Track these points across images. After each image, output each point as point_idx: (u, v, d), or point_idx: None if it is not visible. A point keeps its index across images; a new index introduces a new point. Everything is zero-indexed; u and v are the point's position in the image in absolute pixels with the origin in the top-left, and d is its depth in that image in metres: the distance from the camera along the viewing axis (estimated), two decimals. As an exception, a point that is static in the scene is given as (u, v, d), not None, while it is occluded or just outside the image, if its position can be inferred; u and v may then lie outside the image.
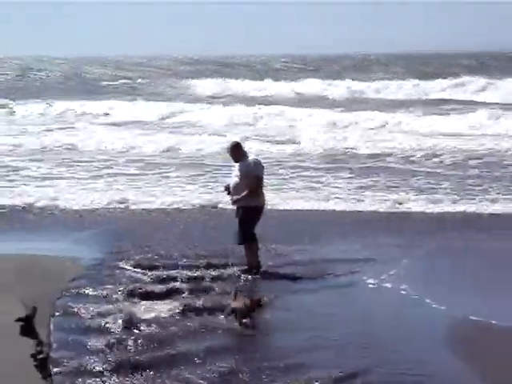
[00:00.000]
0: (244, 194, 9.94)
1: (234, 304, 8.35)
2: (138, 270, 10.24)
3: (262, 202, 10.23)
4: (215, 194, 15.16)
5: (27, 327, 7.94)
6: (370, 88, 42.88)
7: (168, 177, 18.00)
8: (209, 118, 30.42)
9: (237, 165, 10.16)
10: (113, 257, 10.88)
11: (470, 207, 14.21)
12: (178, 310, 8.65)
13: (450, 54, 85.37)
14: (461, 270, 10.47)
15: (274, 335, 8.19)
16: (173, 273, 10.08)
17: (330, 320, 8.47)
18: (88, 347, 7.56)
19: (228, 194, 10.28)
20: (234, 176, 10.18)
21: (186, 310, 8.66)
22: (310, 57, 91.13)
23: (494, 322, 8.33)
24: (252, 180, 9.96)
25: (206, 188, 16.43)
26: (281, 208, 14.18)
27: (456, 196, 15.22)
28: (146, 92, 46.26)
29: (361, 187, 16.40)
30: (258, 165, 10.15)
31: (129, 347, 7.58)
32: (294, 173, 18.34)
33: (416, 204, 14.58)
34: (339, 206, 14.57)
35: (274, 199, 14.30)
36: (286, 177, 17.70)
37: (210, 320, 8.39)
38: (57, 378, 6.86)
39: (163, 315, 8.50)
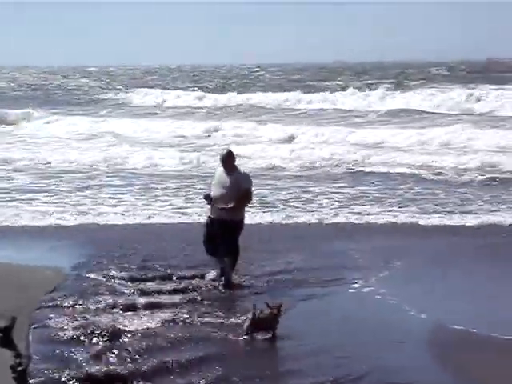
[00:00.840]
0: (231, 205, 9.74)
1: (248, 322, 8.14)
2: (120, 281, 10.13)
3: (243, 216, 10.12)
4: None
5: (5, 338, 7.77)
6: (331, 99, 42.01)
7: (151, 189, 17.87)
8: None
9: (226, 175, 9.87)
10: (93, 268, 10.74)
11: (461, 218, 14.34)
12: (160, 321, 8.54)
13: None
14: (441, 278, 10.57)
15: (259, 343, 8.12)
16: (153, 284, 10.00)
17: (315, 328, 8.47)
18: (68, 359, 7.42)
19: (209, 203, 10.05)
20: (219, 186, 9.87)
21: (169, 322, 8.57)
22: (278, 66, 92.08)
23: (474, 330, 8.38)
24: (243, 193, 9.79)
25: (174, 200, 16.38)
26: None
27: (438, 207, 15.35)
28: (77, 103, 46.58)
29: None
30: (249, 178, 10.05)
31: (110, 359, 7.45)
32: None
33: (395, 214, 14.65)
34: (311, 218, 14.53)
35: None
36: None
37: (194, 330, 8.32)
38: (36, 391, 6.68)
39: (145, 327, 8.39)
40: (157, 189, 17.90)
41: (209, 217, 10.11)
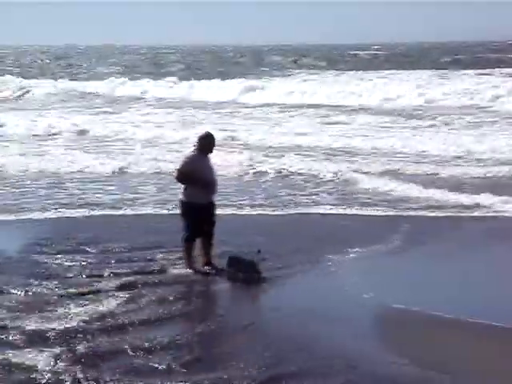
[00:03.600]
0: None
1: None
2: (64, 262, 10.14)
3: None
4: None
5: None
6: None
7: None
8: None
9: (208, 159, 9.82)
10: (39, 250, 10.73)
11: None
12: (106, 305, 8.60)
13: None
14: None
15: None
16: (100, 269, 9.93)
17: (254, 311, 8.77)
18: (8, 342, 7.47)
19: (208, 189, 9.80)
20: (210, 172, 9.83)
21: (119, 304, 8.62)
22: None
23: (416, 309, 8.58)
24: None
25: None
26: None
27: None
28: None
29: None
30: None
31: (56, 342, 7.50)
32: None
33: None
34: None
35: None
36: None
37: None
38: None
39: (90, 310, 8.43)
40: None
41: (197, 204, 9.73)
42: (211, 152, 9.85)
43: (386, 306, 8.63)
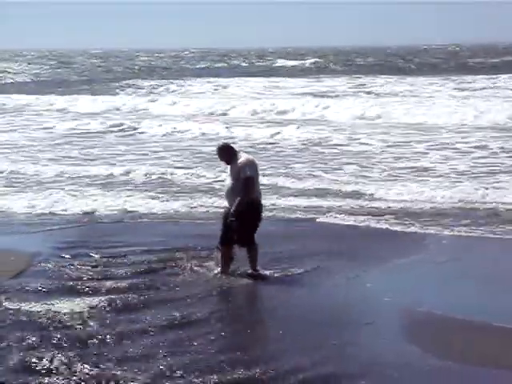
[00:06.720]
0: (238, 198, 9.61)
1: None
2: (83, 266, 10.11)
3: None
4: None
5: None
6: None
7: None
8: None
9: (229, 166, 9.74)
10: (64, 254, 10.70)
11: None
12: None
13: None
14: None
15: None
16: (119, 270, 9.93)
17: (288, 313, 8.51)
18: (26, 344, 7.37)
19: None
20: (227, 177, 9.83)
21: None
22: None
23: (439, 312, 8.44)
24: (242, 183, 9.61)
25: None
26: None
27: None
28: None
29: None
30: (245, 166, 9.64)
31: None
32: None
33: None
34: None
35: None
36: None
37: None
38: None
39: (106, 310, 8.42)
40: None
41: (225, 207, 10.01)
42: (225, 162, 9.82)
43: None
